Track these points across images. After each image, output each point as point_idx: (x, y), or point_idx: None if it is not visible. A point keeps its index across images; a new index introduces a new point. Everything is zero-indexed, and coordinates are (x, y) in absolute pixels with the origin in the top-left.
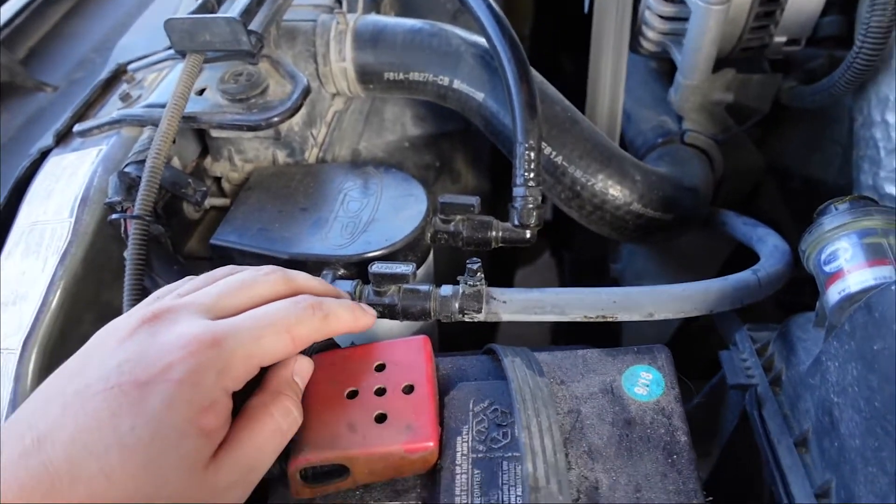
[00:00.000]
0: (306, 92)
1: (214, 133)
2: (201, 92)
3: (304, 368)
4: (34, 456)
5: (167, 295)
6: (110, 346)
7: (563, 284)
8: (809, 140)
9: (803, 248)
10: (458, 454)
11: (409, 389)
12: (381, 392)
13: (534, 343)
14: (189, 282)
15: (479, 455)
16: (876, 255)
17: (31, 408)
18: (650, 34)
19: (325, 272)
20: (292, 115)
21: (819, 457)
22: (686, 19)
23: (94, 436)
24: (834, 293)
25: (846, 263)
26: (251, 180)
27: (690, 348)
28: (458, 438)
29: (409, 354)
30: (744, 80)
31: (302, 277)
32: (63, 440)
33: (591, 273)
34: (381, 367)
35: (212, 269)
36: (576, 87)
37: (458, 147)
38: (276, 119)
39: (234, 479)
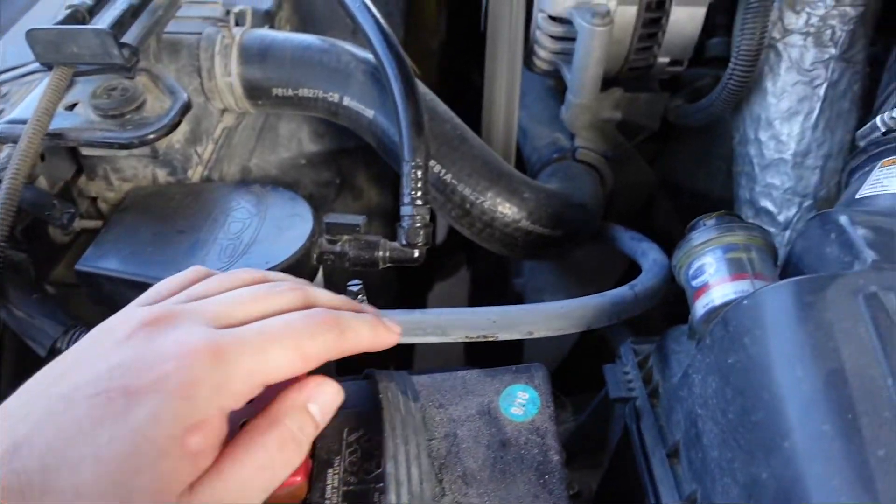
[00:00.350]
0: (185, 108)
1: (85, 151)
2: (72, 107)
3: (326, 396)
4: (8, 463)
5: (173, 294)
6: (104, 348)
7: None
8: (697, 155)
9: (674, 262)
10: (329, 487)
11: None
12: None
13: (451, 357)
14: (202, 284)
15: (351, 487)
16: (738, 269)
17: (13, 408)
18: (542, 53)
19: None
20: (170, 132)
21: (687, 468)
22: (574, 39)
23: (72, 446)
24: (699, 307)
25: (711, 278)
26: (126, 201)
27: (589, 359)
28: (330, 471)
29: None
30: (631, 98)
31: (325, 296)
32: (40, 448)
33: (493, 288)
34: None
35: (83, 296)
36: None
37: (360, 163)
38: (151, 136)
39: None
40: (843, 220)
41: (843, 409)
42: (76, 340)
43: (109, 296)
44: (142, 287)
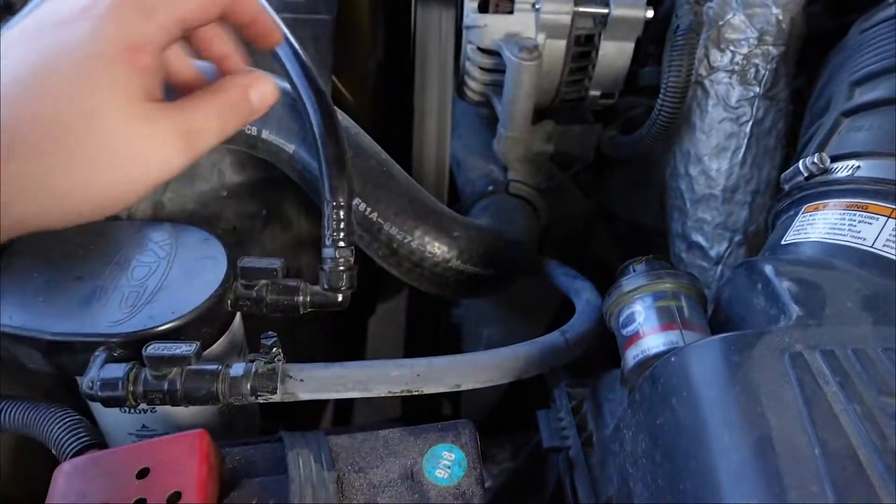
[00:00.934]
0: None
1: None
2: None
3: (266, 87)
4: None
5: None
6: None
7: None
8: (632, 184)
9: (604, 309)
10: None
11: (175, 497)
12: None
13: (389, 400)
14: None
15: None
16: (667, 319)
17: None
18: (472, 84)
19: (96, 353)
20: None
21: None
22: (504, 71)
23: (24, 71)
24: (630, 357)
25: (640, 327)
26: (16, 244)
27: (528, 398)
28: None
29: (178, 454)
30: (564, 131)
31: None
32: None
33: (430, 320)
34: (143, 473)
35: None
36: None
37: (288, 192)
38: None
39: (175, 129)
40: (769, 270)
41: (772, 482)
42: None
43: None
44: (29, 342)
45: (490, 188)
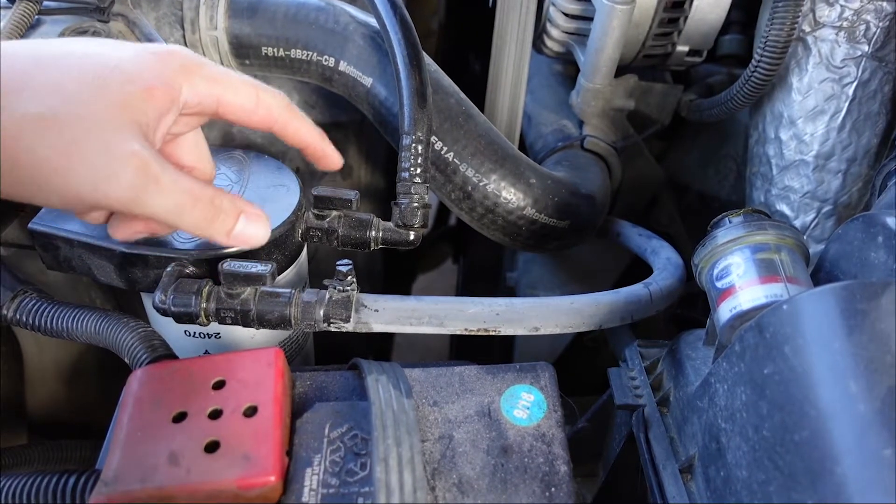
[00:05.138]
0: None
1: None
2: None
3: (255, 228)
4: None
5: None
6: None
7: (458, 292)
8: (706, 155)
9: (696, 261)
10: (307, 489)
11: (251, 412)
12: (215, 415)
13: (433, 349)
14: None
15: (331, 490)
16: (768, 271)
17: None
18: (554, 33)
19: (168, 270)
20: None
21: (704, 485)
22: (591, 19)
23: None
24: (725, 310)
25: (738, 279)
26: None
27: (584, 361)
28: (308, 470)
29: (255, 370)
30: (646, 87)
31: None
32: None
33: (485, 280)
34: (219, 385)
35: (37, 258)
36: (482, 88)
37: (352, 139)
38: None
39: (151, 174)
40: (892, 222)
41: None
42: (24, 308)
43: (66, 260)
44: (100, 252)
45: (562, 143)
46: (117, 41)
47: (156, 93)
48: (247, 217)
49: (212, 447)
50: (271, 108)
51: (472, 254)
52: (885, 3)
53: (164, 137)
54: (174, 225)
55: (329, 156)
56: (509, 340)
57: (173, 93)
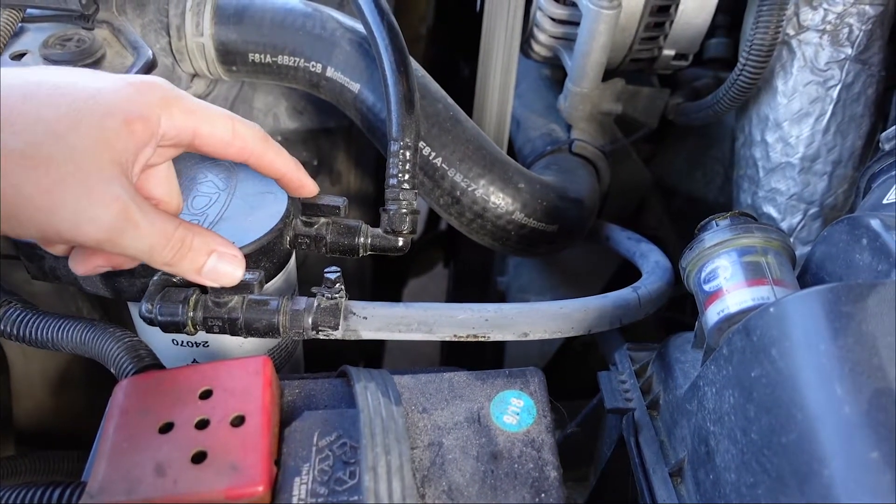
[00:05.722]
0: (150, 66)
1: None
2: (20, 56)
3: (227, 266)
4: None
5: None
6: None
7: (448, 297)
8: (694, 158)
9: (683, 265)
10: (295, 499)
11: (238, 421)
12: (202, 425)
13: (424, 354)
14: None
15: (320, 499)
16: (755, 274)
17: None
18: (541, 37)
19: (154, 279)
20: None
21: (694, 488)
22: (577, 23)
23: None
24: (713, 313)
25: (725, 282)
26: None
27: (575, 364)
28: (297, 479)
29: (242, 379)
30: (633, 91)
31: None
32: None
33: (475, 285)
34: (206, 394)
35: (22, 268)
36: (472, 92)
37: (340, 145)
38: None
39: (126, 213)
40: (877, 224)
41: (894, 435)
42: (9, 318)
43: (52, 269)
44: None
45: (550, 147)
46: (95, 71)
47: (135, 126)
48: (219, 256)
49: (199, 458)
50: (247, 140)
51: (462, 258)
52: (867, 7)
53: (140, 170)
54: (143, 261)
55: (305, 185)
56: (500, 344)
57: (152, 125)
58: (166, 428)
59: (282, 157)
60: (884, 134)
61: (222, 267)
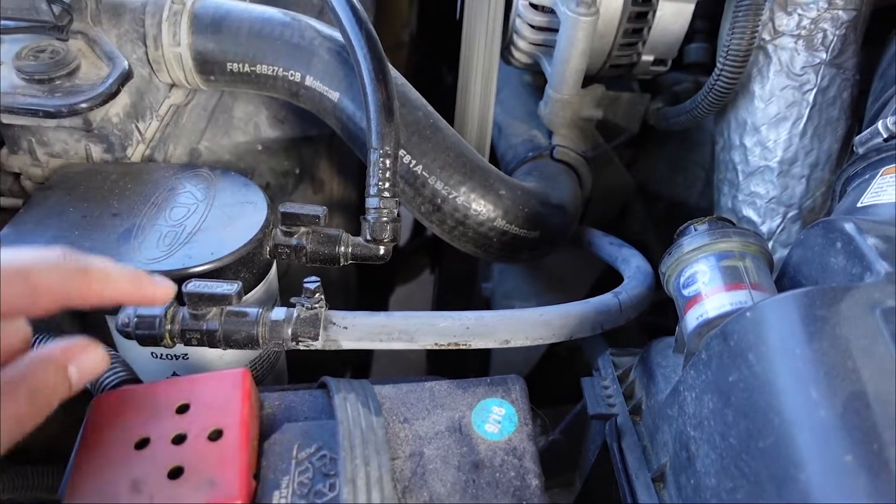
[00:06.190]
0: (125, 77)
1: (6, 119)
2: None
3: (88, 361)
4: None
5: None
6: None
7: (433, 304)
8: (675, 163)
9: (663, 270)
10: None
11: (216, 435)
12: (179, 440)
13: (412, 362)
14: None
15: None
16: (733, 278)
17: None
18: (521, 44)
19: None
20: (105, 101)
21: (676, 493)
22: (556, 30)
23: None
24: (692, 318)
25: (704, 287)
26: (52, 178)
27: (559, 370)
28: (276, 493)
29: (220, 392)
30: (613, 97)
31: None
32: None
33: (460, 292)
34: (183, 409)
35: None
36: (454, 99)
37: (322, 153)
38: (83, 105)
39: None
40: (850, 228)
41: (868, 439)
42: None
43: None
44: None
45: (532, 153)
46: None
47: None
48: (74, 362)
49: (175, 473)
50: (52, 288)
51: (446, 265)
52: (841, 12)
53: None
54: None
55: (147, 287)
56: (486, 351)
57: None
58: (142, 444)
59: (111, 280)
60: (858, 137)
61: (90, 358)
